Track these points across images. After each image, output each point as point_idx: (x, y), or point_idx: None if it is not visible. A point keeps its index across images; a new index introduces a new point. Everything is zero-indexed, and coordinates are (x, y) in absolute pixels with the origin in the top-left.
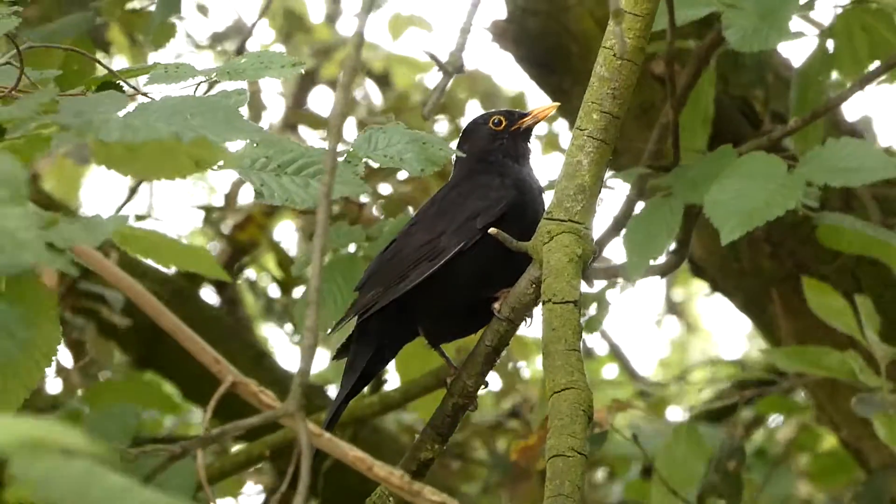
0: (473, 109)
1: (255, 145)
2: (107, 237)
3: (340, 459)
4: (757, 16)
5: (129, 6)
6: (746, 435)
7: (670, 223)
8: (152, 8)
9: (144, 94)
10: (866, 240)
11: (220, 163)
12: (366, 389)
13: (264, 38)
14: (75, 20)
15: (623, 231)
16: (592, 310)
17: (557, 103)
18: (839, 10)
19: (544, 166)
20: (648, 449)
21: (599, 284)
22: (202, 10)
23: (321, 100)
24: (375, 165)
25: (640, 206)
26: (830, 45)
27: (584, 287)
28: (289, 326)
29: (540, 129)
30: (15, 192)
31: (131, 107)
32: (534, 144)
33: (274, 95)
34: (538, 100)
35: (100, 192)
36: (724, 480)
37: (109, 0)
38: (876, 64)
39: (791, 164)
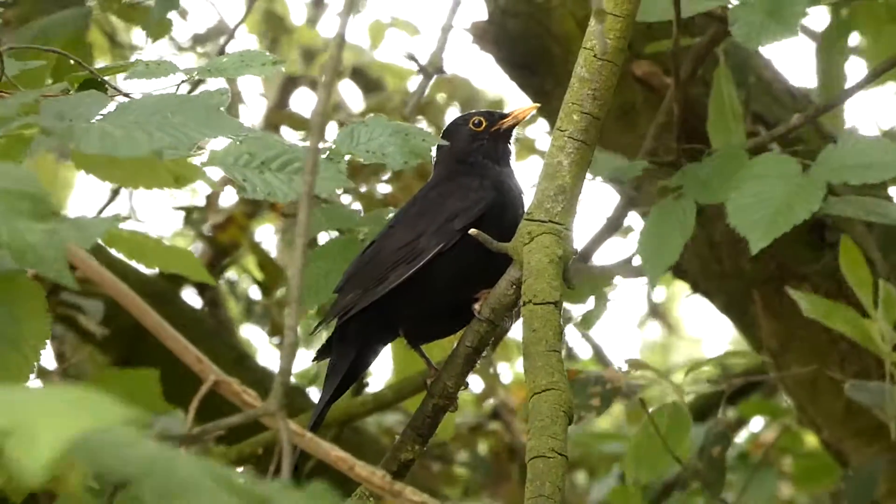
0: (453, 114)
1: (238, 143)
2: (99, 238)
3: (322, 459)
4: (764, 12)
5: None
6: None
7: (684, 225)
8: (147, 2)
9: (126, 95)
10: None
11: (205, 159)
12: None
13: (246, 42)
14: (69, 16)
15: (615, 233)
16: (590, 303)
17: (537, 104)
18: None
19: (521, 170)
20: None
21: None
22: (182, 13)
23: (303, 101)
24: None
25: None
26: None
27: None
28: (269, 328)
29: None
30: (38, 207)
31: (112, 106)
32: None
33: (255, 96)
34: (518, 103)
35: (81, 189)
36: (707, 466)
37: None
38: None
39: (804, 163)
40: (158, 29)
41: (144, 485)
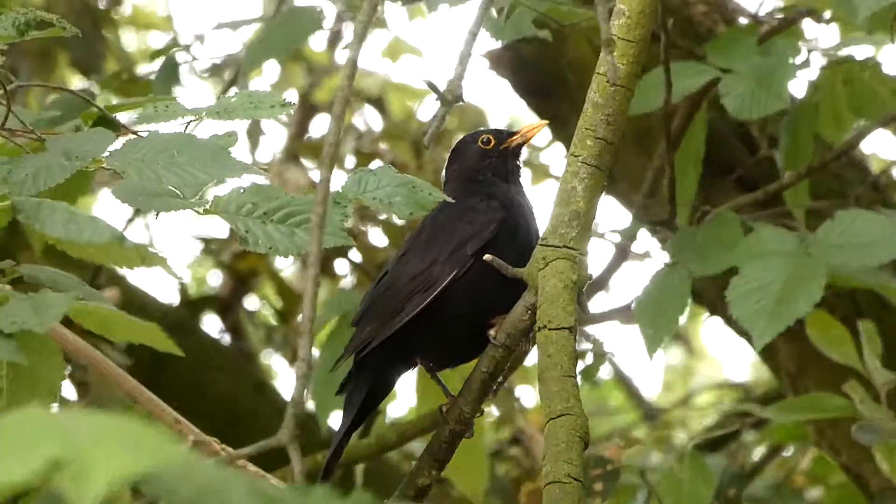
0: None
1: (241, 191)
2: (57, 319)
3: None
4: (754, 80)
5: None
6: (761, 466)
7: (681, 294)
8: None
9: (134, 133)
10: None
11: (207, 206)
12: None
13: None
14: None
15: (633, 302)
16: (589, 359)
17: (546, 122)
18: (822, 64)
19: (536, 194)
20: (654, 481)
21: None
22: (200, 38)
23: (323, 127)
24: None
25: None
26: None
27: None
28: (289, 356)
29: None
30: None
31: (119, 143)
32: (523, 164)
33: (275, 123)
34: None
35: (99, 215)
36: None
37: (110, 74)
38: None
39: (792, 230)
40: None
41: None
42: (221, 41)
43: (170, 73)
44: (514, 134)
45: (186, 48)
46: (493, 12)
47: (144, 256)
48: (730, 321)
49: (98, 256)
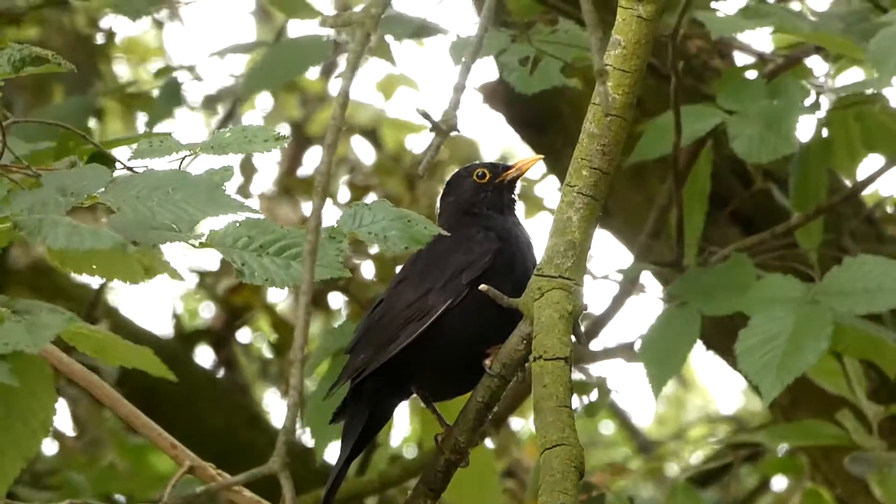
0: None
1: (237, 224)
2: (49, 340)
3: None
4: (762, 124)
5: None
6: (751, 499)
7: (689, 335)
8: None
9: (130, 169)
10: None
11: (203, 239)
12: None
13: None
14: (75, 105)
15: (638, 341)
16: (594, 396)
17: (541, 156)
18: (832, 101)
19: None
20: None
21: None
22: (196, 77)
23: (316, 160)
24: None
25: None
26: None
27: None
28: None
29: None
30: None
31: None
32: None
33: (267, 158)
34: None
35: None
36: None
37: (112, 87)
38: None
39: (804, 277)
40: (162, 115)
41: None
42: (214, 72)
43: (171, 93)
44: (509, 168)
45: (190, 68)
46: (517, 63)
47: (148, 266)
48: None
49: (100, 271)
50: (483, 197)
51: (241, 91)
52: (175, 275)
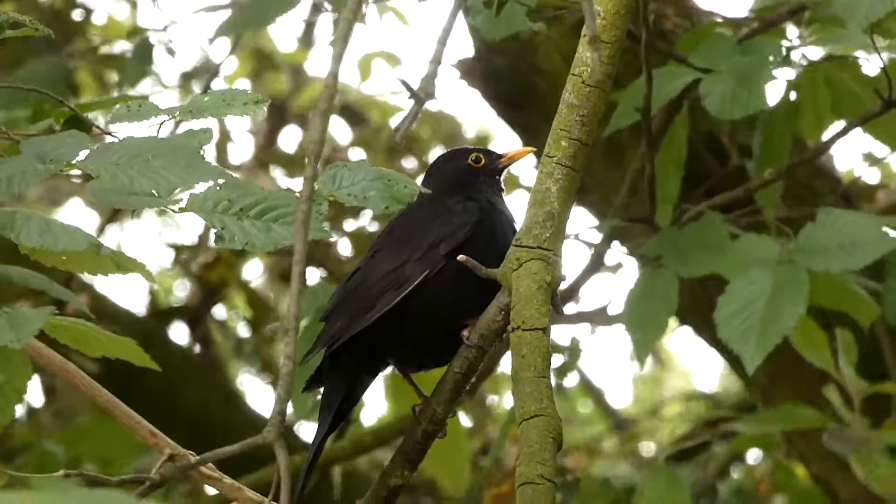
0: (437, 151)
1: (217, 188)
2: (33, 335)
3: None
4: (734, 80)
5: (102, 51)
6: (723, 471)
7: (668, 296)
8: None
9: (109, 134)
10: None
11: (182, 204)
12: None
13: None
14: (49, 66)
15: (619, 305)
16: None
17: (533, 148)
18: (804, 64)
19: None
20: (619, 489)
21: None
22: (170, 51)
23: (292, 138)
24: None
25: (611, 254)
26: (793, 95)
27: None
28: (258, 366)
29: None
30: None
31: (94, 146)
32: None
33: (243, 133)
34: (506, 140)
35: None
36: None
37: (84, 48)
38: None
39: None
40: (135, 76)
41: None
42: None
43: (144, 53)
44: (502, 156)
45: (164, 29)
46: (482, 5)
47: (120, 263)
48: (716, 342)
49: (71, 265)
50: (474, 180)
51: (214, 36)
52: (148, 276)
